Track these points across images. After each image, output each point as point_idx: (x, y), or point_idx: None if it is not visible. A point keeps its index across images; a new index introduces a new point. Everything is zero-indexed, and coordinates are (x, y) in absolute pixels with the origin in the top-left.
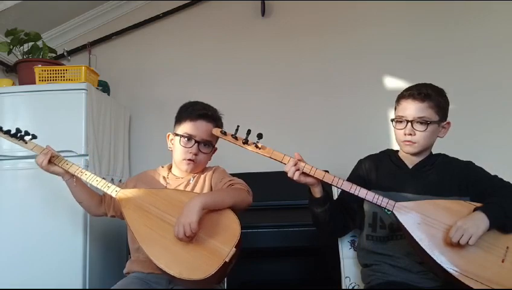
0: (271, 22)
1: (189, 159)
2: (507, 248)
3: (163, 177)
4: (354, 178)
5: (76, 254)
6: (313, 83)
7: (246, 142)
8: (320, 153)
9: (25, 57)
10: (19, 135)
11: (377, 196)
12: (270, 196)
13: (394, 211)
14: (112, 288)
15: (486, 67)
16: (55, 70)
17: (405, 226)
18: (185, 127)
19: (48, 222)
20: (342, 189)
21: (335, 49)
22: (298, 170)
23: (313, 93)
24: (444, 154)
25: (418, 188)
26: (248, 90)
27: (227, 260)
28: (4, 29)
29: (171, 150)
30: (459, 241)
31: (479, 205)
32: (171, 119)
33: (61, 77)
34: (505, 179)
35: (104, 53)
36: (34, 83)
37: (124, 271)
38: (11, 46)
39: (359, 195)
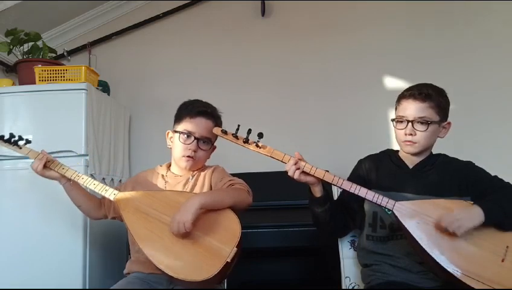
0: (271, 22)
1: (189, 156)
2: (507, 247)
3: (162, 176)
4: (354, 178)
5: (76, 254)
6: (313, 83)
7: (246, 141)
8: (320, 152)
9: (25, 57)
10: (12, 140)
11: (377, 195)
12: (270, 196)
13: (394, 211)
14: (112, 288)
15: (486, 67)
16: (55, 70)
17: (405, 225)
18: (185, 124)
19: (48, 222)
20: (342, 188)
21: (335, 49)
22: (298, 168)
23: (313, 93)
24: (444, 155)
25: (418, 188)
26: (248, 90)
27: (229, 260)
28: (4, 29)
29: (170, 148)
30: (447, 227)
31: None
32: (171, 119)
33: (61, 77)
34: (505, 180)
35: (104, 53)
36: (34, 83)
37: (124, 271)
38: (11, 46)
39: (359, 194)
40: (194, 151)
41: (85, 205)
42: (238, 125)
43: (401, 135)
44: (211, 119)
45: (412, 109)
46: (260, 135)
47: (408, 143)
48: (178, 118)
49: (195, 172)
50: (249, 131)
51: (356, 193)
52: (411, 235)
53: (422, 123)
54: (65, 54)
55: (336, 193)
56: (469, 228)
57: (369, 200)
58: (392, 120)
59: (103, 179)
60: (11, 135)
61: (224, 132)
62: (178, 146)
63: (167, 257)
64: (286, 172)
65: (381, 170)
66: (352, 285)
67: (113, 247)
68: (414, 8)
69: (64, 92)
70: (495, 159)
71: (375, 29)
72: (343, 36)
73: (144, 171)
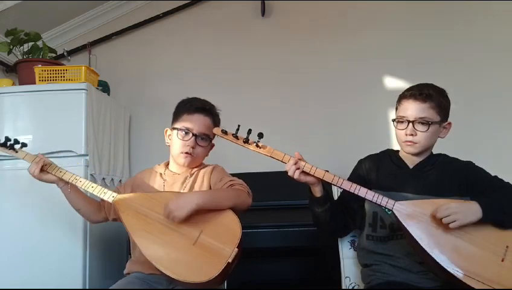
0: (271, 22)
1: (187, 153)
2: (507, 247)
3: (160, 175)
4: (354, 178)
5: (76, 254)
6: (313, 83)
7: (246, 141)
8: (320, 153)
9: (25, 57)
10: (8, 144)
11: (376, 195)
12: (270, 196)
13: (394, 211)
14: (112, 287)
15: (486, 68)
16: (55, 70)
17: (405, 225)
18: (183, 121)
19: (48, 222)
20: (342, 188)
21: (335, 49)
22: (298, 168)
23: (313, 93)
24: (445, 155)
25: (419, 188)
26: (248, 90)
27: (230, 260)
28: (4, 29)
29: (169, 145)
30: (443, 219)
31: None
32: (171, 119)
33: (61, 77)
34: (505, 180)
35: (104, 53)
36: (34, 83)
37: (124, 272)
38: (11, 46)
39: (359, 194)
40: (193, 148)
41: (84, 208)
42: (238, 126)
43: (401, 135)
44: (209, 116)
45: (412, 109)
46: (260, 135)
47: (408, 143)
48: (176, 116)
49: (194, 170)
50: (249, 131)
51: (356, 192)
52: (411, 235)
53: (423, 123)
54: (65, 54)
55: (336, 193)
56: (464, 223)
57: (369, 200)
58: (393, 120)
59: (103, 179)
60: (7, 139)
61: (225, 132)
62: (176, 143)
63: (167, 258)
64: (286, 172)
65: (381, 170)
66: (352, 285)
67: (113, 247)
68: (414, 8)
69: (64, 92)
70: (495, 159)
71: (375, 29)
72: (343, 36)
73: (142, 171)
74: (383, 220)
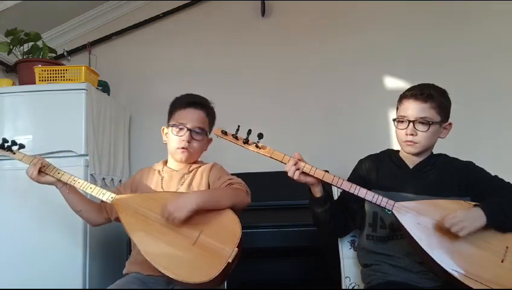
0: (271, 22)
1: (183, 148)
2: (506, 247)
3: (158, 172)
4: (354, 178)
5: (76, 254)
6: (313, 83)
7: (246, 142)
8: (320, 153)
9: (25, 57)
10: (6, 145)
11: (376, 196)
12: (270, 196)
13: (394, 211)
14: (111, 287)
15: (486, 68)
16: (55, 70)
17: (404, 226)
18: (177, 117)
19: (47, 222)
20: (341, 188)
21: (335, 49)
22: (298, 169)
23: (313, 93)
24: (445, 155)
25: (419, 188)
26: (248, 90)
27: (230, 260)
28: (4, 29)
29: (166, 143)
30: (450, 228)
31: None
32: None
33: (61, 77)
34: (505, 180)
35: (104, 53)
36: (34, 83)
37: (124, 272)
38: (11, 46)
39: (359, 195)
40: (188, 142)
41: (85, 210)
42: (238, 126)
43: (402, 135)
44: (202, 109)
45: (413, 109)
46: (260, 136)
47: (409, 143)
48: (170, 113)
49: (193, 168)
50: (249, 132)
51: (356, 193)
52: (410, 236)
53: (423, 123)
54: (65, 54)
55: (336, 193)
56: (472, 230)
57: (369, 201)
58: (393, 120)
59: (103, 179)
60: (4, 140)
61: (224, 133)
62: (172, 139)
63: (167, 258)
64: (286, 172)
65: (381, 170)
66: (352, 285)
67: (113, 247)
68: (414, 8)
69: (64, 92)
70: (495, 159)
71: (375, 29)
72: (343, 36)
73: (141, 170)
74: (383, 220)
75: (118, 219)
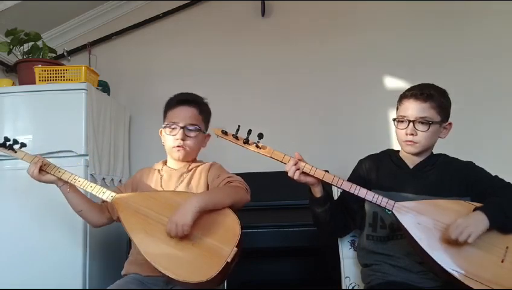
0: (271, 22)
1: (178, 146)
2: (507, 248)
3: (158, 171)
4: (354, 178)
5: (76, 254)
6: (313, 83)
7: (246, 142)
8: (320, 153)
9: (25, 57)
10: (7, 144)
11: (376, 196)
12: (270, 196)
13: (394, 211)
14: (110, 288)
15: (486, 68)
16: (55, 70)
17: (404, 226)
18: (169, 117)
19: (47, 222)
20: (341, 188)
21: (335, 49)
22: (298, 169)
23: (313, 93)
24: (445, 155)
25: (419, 188)
26: (248, 90)
27: (229, 260)
28: (4, 29)
29: (164, 144)
30: (457, 238)
31: (478, 205)
32: None
33: (61, 77)
34: (505, 180)
35: (104, 53)
36: (34, 83)
37: (122, 272)
38: (11, 46)
39: (359, 195)
40: (183, 140)
41: (85, 209)
42: (238, 126)
43: (402, 135)
44: (192, 105)
45: (413, 109)
46: (260, 136)
47: (409, 143)
48: (164, 115)
49: (192, 167)
50: (249, 132)
51: (356, 193)
52: (410, 236)
53: (423, 123)
54: (65, 54)
55: (336, 192)
56: (479, 234)
57: (369, 201)
58: (393, 120)
59: (103, 179)
60: (6, 139)
61: (225, 133)
62: (167, 139)
63: (167, 258)
64: (286, 172)
65: (381, 170)
66: (352, 285)
67: (113, 247)
68: (414, 8)
69: (64, 92)
70: (495, 159)
71: (375, 29)
72: (343, 36)
73: (142, 170)
74: (383, 220)
75: (120, 219)
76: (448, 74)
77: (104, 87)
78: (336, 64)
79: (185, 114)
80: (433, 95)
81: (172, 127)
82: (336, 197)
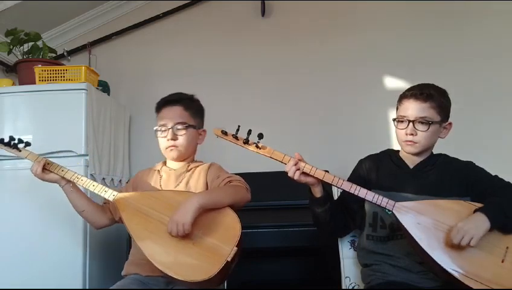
0: (271, 22)
1: (170, 146)
2: (507, 248)
3: (158, 171)
4: (354, 178)
5: (77, 254)
6: (313, 83)
7: (246, 142)
8: (320, 153)
9: (25, 57)
10: (12, 143)
11: (376, 196)
12: (270, 196)
13: (394, 211)
14: (111, 288)
15: (486, 67)
16: (55, 70)
17: (405, 226)
18: (158, 120)
19: (48, 222)
20: (341, 189)
21: (335, 49)
22: (298, 169)
23: (313, 93)
24: (445, 155)
25: (419, 188)
26: (248, 90)
27: (229, 259)
28: (4, 29)
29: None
30: (460, 242)
31: (479, 205)
32: None
33: (61, 77)
34: (505, 180)
35: (104, 53)
36: (34, 83)
37: (122, 273)
38: (11, 46)
39: (359, 195)
40: (173, 140)
41: (87, 210)
42: (238, 126)
43: (402, 135)
44: (177, 104)
45: (413, 108)
46: (260, 136)
47: (409, 143)
48: (156, 119)
49: (191, 166)
50: (249, 132)
51: (356, 193)
52: (411, 236)
53: (423, 123)
54: (65, 54)
55: (336, 192)
56: (481, 236)
57: (369, 201)
58: (393, 120)
59: (103, 179)
60: (11, 138)
61: (225, 133)
62: (160, 142)
63: (167, 257)
64: (286, 172)
65: (381, 170)
66: (352, 285)
67: (113, 247)
68: (414, 8)
69: (64, 92)
70: (495, 159)
71: (375, 29)
72: (343, 36)
73: (143, 170)
74: (383, 220)
75: (121, 220)
76: (448, 74)
77: (104, 87)
78: (336, 64)
79: (171, 114)
80: (433, 95)
81: (162, 129)
82: (336, 197)
